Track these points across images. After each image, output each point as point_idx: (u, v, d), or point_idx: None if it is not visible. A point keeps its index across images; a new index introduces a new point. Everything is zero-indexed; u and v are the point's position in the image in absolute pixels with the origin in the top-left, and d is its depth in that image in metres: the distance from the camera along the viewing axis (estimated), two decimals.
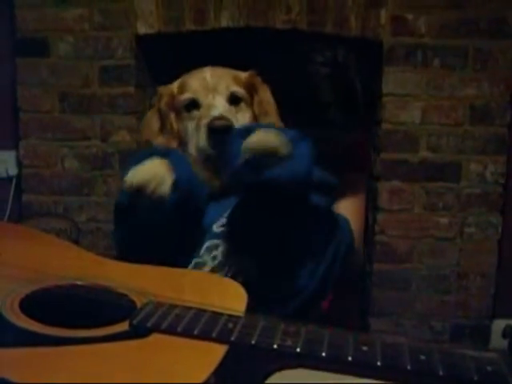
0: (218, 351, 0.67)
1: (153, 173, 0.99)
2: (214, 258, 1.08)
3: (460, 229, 2.23)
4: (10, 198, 2.45)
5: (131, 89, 2.27)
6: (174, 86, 1.25)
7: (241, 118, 1.19)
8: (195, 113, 1.18)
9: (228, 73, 1.24)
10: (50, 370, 0.63)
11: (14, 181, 2.45)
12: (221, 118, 1.12)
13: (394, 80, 2.14)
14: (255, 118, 1.24)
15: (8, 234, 1.18)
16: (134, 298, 0.80)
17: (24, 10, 2.25)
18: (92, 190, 2.34)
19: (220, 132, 1.10)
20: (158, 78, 2.43)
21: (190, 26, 2.20)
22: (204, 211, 1.13)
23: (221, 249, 1.09)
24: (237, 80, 1.22)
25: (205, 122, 1.13)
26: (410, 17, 2.12)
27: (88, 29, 2.25)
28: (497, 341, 2.27)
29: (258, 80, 1.27)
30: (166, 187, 0.99)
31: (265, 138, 0.97)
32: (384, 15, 2.12)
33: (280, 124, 1.25)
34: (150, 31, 2.23)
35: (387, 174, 2.19)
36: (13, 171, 2.45)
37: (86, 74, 2.27)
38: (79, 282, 0.86)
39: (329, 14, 2.13)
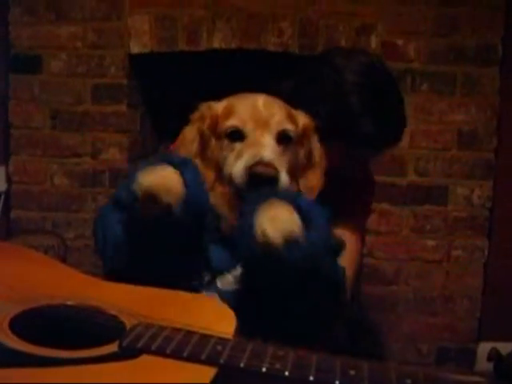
0: (207, 374, 0.67)
1: (164, 179, 0.92)
2: None
3: (447, 252, 2.25)
4: None
5: (123, 107, 2.29)
6: (219, 107, 1.10)
7: (285, 161, 1.04)
8: (237, 144, 1.04)
9: (283, 107, 1.09)
10: None
11: (2, 197, 2.44)
12: (266, 164, 0.98)
13: None
14: (299, 166, 1.11)
15: None
16: (124, 319, 0.80)
17: (18, 27, 2.27)
18: (81, 206, 2.34)
19: (261, 180, 0.97)
20: (150, 97, 2.45)
21: (182, 46, 2.22)
22: (204, 229, 1.03)
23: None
24: (292, 118, 1.09)
25: (247, 161, 0.99)
26: (399, 42, 2.17)
27: (81, 47, 2.27)
28: (482, 364, 2.28)
29: (313, 128, 1.14)
30: (175, 196, 0.91)
31: (278, 223, 0.87)
32: (374, 40, 2.16)
33: (321, 180, 1.14)
34: (143, 50, 2.25)
35: (376, 196, 2.20)
36: (2, 187, 2.44)
37: (78, 91, 2.29)
38: (69, 302, 0.86)
39: (320, 38, 2.17)
